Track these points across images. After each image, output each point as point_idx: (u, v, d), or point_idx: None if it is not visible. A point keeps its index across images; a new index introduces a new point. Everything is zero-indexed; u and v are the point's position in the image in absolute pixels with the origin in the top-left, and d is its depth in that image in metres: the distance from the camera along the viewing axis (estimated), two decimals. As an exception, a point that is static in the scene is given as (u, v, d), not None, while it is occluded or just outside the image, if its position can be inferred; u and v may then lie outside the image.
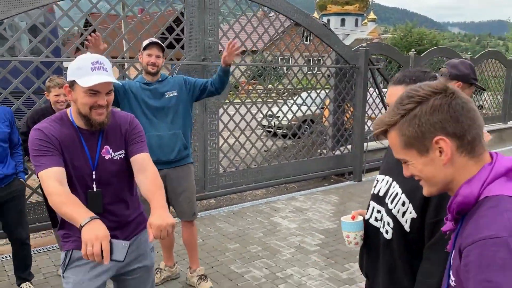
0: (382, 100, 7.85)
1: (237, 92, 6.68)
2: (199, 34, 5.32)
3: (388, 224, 1.62)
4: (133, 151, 2.02)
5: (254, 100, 6.18)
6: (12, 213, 3.29)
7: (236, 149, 6.03)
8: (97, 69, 1.84)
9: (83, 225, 1.62)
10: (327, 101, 7.44)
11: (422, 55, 8.94)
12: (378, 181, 1.75)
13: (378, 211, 1.70)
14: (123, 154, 2.02)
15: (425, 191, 1.18)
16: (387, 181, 1.69)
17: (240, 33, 5.78)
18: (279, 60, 7.03)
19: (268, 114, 7.18)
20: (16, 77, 4.27)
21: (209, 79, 3.45)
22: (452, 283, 1.10)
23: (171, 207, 3.43)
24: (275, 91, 7.87)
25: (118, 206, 2.04)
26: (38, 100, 4.33)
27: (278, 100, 7.33)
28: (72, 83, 1.87)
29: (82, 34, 4.81)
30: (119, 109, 2.59)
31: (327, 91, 7.27)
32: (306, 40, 9.50)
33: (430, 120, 1.08)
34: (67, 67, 2.02)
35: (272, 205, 5.72)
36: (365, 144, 7.43)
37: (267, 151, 6.79)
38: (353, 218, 1.75)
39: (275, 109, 7.14)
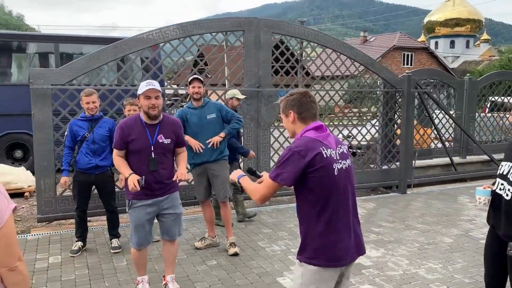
0: (432, 121, 8.52)
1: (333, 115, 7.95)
2: (255, 67, 6.76)
3: (509, 190, 2.76)
4: (179, 146, 3.77)
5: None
6: (106, 192, 4.95)
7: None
8: (148, 85, 3.45)
9: (127, 177, 3.27)
10: (399, 121, 8.19)
11: (479, 79, 9.36)
12: (502, 165, 2.90)
13: (502, 184, 2.84)
14: (169, 141, 3.64)
15: (289, 136, 2.56)
16: (509, 165, 2.84)
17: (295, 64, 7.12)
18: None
19: (347, 135, 8.21)
20: (119, 100, 6.08)
21: (232, 118, 4.89)
22: None
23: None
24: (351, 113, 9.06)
25: (163, 169, 3.61)
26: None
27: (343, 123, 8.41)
28: (139, 96, 3.53)
29: (195, 63, 6.70)
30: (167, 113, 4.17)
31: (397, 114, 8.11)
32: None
33: (290, 104, 2.43)
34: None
35: (313, 207, 6.83)
36: (414, 161, 8.17)
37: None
38: (484, 188, 2.93)
39: (354, 131, 8.15)
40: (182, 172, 3.65)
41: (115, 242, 5.00)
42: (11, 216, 1.60)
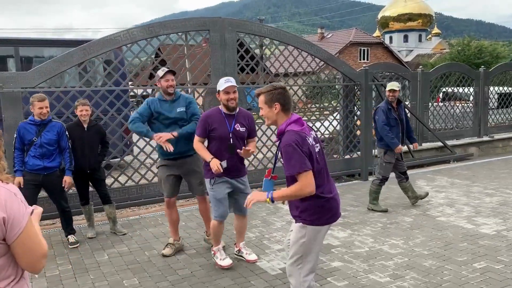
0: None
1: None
2: (221, 65, 7.02)
3: None
4: (250, 136, 4.41)
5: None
6: (55, 192, 5.00)
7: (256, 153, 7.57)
8: (227, 82, 4.14)
9: (209, 161, 4.11)
10: (358, 113, 8.65)
11: (431, 70, 10.00)
12: None
13: None
14: (244, 129, 4.31)
15: (266, 124, 2.97)
16: None
17: (255, 62, 7.40)
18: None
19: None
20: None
21: (192, 119, 4.79)
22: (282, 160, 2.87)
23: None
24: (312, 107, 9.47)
25: (238, 155, 4.20)
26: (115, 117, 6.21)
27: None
28: (219, 91, 4.19)
29: (153, 63, 6.82)
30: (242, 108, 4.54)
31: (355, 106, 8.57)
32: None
33: (275, 97, 2.82)
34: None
35: (282, 197, 7.17)
36: (374, 150, 8.64)
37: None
38: None
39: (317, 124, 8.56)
40: (248, 149, 4.14)
41: (71, 238, 5.15)
42: (30, 220, 1.63)
